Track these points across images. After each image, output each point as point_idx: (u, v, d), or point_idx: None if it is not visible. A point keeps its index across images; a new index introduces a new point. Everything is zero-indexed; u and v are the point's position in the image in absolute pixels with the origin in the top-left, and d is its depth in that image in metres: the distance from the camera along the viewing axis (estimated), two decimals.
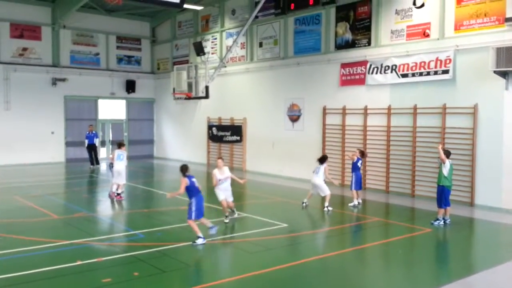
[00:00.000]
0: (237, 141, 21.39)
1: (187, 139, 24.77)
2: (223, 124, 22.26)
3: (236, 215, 11.71)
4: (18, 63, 22.68)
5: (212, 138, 22.83)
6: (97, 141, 22.66)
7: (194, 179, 9.60)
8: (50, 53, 23.64)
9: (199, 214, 9.55)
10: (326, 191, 12.75)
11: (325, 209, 12.67)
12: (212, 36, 22.80)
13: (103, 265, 8.15)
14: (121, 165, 13.91)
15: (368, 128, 16.10)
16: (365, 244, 9.95)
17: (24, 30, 22.96)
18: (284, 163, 18.92)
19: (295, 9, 18.52)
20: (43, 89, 23.25)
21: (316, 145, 17.68)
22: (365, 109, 16.11)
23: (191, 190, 9.51)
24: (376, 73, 15.74)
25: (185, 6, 19.41)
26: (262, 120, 20.21)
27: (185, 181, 9.45)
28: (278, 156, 19.26)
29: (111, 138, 25.89)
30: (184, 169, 9.64)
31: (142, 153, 26.55)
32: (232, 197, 11.49)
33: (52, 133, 23.35)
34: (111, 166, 14.64)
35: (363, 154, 13.93)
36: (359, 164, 13.52)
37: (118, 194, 13.96)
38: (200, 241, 9.26)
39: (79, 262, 8.11)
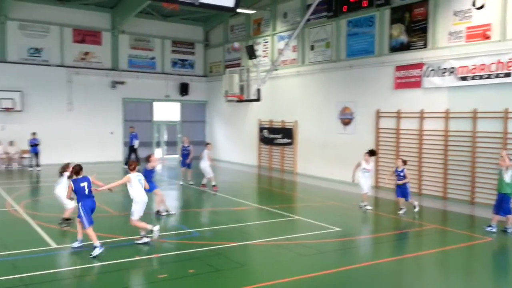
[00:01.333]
0: (288, 144, 21.43)
1: (238, 141, 25.08)
2: (274, 126, 22.37)
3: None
4: (80, 66, 23.86)
5: (263, 140, 23.00)
6: (136, 143, 22.64)
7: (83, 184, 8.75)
8: (110, 57, 24.71)
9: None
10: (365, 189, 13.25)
11: (363, 207, 13.12)
12: (264, 40, 22.99)
13: (159, 261, 8.43)
14: (202, 163, 16.13)
15: (424, 133, 15.67)
16: (421, 252, 9.68)
17: (85, 35, 24.13)
18: (336, 166, 18.74)
19: (348, 11, 18.33)
20: (103, 92, 24.34)
21: (368, 148, 17.36)
22: (421, 112, 15.68)
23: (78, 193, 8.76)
24: (433, 76, 15.29)
25: (238, 10, 19.68)
26: (313, 123, 20.14)
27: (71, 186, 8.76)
28: (329, 159, 19.11)
29: (165, 139, 26.66)
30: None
31: (195, 154, 26.98)
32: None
33: (112, 133, 24.34)
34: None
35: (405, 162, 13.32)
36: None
37: (214, 185, 16.05)
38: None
39: (137, 258, 8.45)
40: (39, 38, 22.84)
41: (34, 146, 21.03)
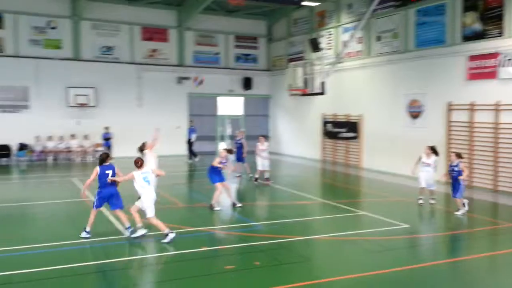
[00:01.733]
0: (353, 137, 21.00)
1: (301, 135, 24.94)
2: (338, 120, 22.01)
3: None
4: (148, 63, 24.77)
5: (327, 134, 22.70)
6: (193, 137, 22.99)
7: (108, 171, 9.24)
8: (176, 53, 25.43)
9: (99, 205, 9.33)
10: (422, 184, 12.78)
11: (419, 202, 12.72)
12: (328, 32, 22.62)
13: (226, 252, 8.58)
14: (263, 155, 16.34)
15: (500, 126, 14.73)
16: (497, 251, 9.12)
17: (153, 33, 24.98)
18: (404, 161, 17.99)
19: (417, 0, 17.59)
20: (169, 87, 25.11)
21: (439, 143, 16.61)
22: (497, 104, 14.75)
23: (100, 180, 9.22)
24: (510, 65, 14.32)
25: (302, 3, 19.52)
26: (379, 117, 19.57)
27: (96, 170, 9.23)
28: (397, 154, 18.48)
29: (229, 133, 27.07)
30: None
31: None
32: None
33: (178, 127, 25.05)
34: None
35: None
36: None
37: (267, 179, 16.22)
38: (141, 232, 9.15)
39: (204, 248, 8.64)
40: (110, 36, 23.95)
41: (106, 139, 22.14)
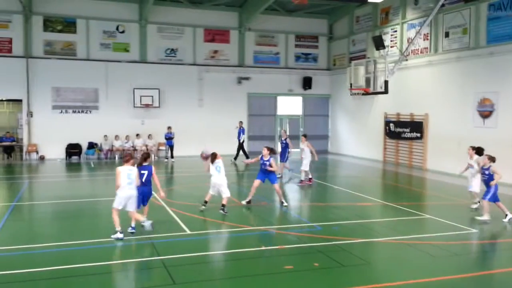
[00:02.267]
0: (417, 138, 20.22)
1: (362, 135, 24.38)
2: (401, 120, 21.28)
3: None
4: (209, 64, 25.26)
5: (389, 134, 22.03)
6: (242, 138, 22.88)
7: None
8: (237, 54, 25.73)
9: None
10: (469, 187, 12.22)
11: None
12: (392, 29, 21.94)
13: (285, 252, 8.53)
14: (303, 156, 16.13)
15: None
16: None
17: (215, 35, 25.44)
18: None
19: None
20: (229, 87, 25.47)
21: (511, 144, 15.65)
22: None
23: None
24: None
25: (368, 0, 19.04)
26: (446, 116, 18.70)
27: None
28: (465, 155, 17.50)
29: (287, 133, 26.90)
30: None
31: (317, 148, 26.74)
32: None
33: (237, 127, 25.29)
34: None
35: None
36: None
37: (310, 179, 15.99)
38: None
39: (263, 248, 8.65)
40: (174, 39, 24.67)
41: (169, 139, 22.80)
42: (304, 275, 7.34)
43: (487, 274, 7.47)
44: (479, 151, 12.23)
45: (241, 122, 23.51)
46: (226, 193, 11.19)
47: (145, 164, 9.76)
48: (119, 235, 8.91)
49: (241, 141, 22.88)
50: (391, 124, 21.81)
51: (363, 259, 8.21)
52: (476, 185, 12.04)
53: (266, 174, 12.29)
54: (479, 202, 12.07)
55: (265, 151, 12.23)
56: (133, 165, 9.34)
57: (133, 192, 9.12)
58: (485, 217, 10.82)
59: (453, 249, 8.78)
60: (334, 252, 8.46)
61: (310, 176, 16.20)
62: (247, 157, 22.39)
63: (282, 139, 17.37)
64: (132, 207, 9.17)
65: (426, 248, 8.88)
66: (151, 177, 9.72)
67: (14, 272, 7.26)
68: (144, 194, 9.68)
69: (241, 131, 23.01)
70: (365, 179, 18.57)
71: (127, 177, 9.02)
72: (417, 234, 9.84)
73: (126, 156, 9.44)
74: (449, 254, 8.50)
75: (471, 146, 12.51)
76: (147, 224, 9.28)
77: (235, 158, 22.54)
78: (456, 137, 18.03)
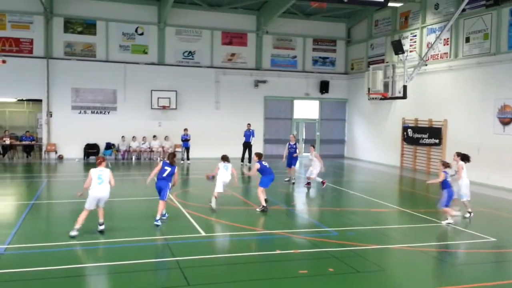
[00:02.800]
0: (435, 144, 19.95)
1: (379, 140, 24.15)
2: (419, 125, 21.02)
3: None
4: (227, 67, 25.33)
5: (407, 140, 21.77)
6: (253, 140, 22.66)
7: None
8: (254, 57, 25.77)
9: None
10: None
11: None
12: (411, 33, 21.72)
13: (299, 257, 8.48)
14: (312, 164, 15.92)
15: None
16: None
17: (232, 38, 25.52)
18: (492, 170, 16.87)
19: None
20: (246, 90, 25.51)
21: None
22: None
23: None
24: None
25: (389, 4, 18.86)
26: (465, 123, 18.42)
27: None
28: (485, 162, 17.25)
29: (304, 137, 26.91)
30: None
31: (333, 153, 26.95)
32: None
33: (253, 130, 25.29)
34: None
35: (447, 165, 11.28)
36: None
37: (308, 183, 15.90)
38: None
39: (278, 252, 8.61)
40: (192, 42, 24.82)
41: (185, 141, 22.91)
42: (319, 280, 7.28)
43: (503, 284, 7.30)
44: (464, 157, 11.83)
45: (249, 124, 23.07)
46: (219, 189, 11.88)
47: (167, 161, 10.67)
48: (74, 233, 9.09)
49: (251, 143, 22.64)
50: (409, 130, 21.56)
51: (378, 265, 8.10)
52: (465, 193, 11.77)
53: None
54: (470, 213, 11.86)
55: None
56: (105, 166, 9.70)
57: (104, 193, 9.36)
58: (453, 215, 11.02)
59: (470, 258, 8.63)
60: (349, 257, 8.37)
61: (309, 181, 15.91)
62: (248, 161, 22.21)
63: (291, 143, 16.78)
64: (103, 204, 9.50)
65: (443, 256, 8.74)
66: (172, 175, 10.48)
67: (31, 270, 7.35)
68: (160, 188, 10.38)
69: (250, 133, 22.74)
70: (382, 184, 18.37)
71: (97, 177, 9.27)
72: (433, 242, 9.69)
73: (98, 159, 9.69)
74: (466, 263, 8.37)
75: (457, 152, 12.30)
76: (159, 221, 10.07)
77: (249, 161, 22.38)
78: (476, 144, 17.73)
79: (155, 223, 10.06)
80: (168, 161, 10.60)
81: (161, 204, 10.29)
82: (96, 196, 9.23)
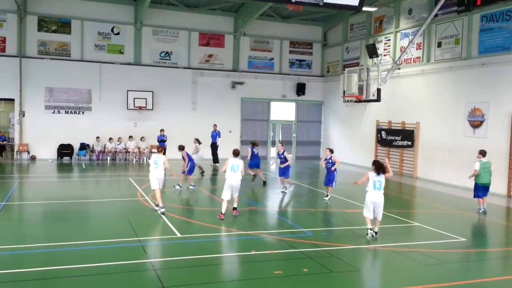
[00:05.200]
0: (408, 146, 20.38)
1: (354, 142, 24.50)
2: (393, 128, 21.44)
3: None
4: (204, 68, 25.30)
5: (381, 142, 22.17)
6: (219, 140, 22.75)
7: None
8: (231, 59, 25.80)
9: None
10: None
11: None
12: (385, 38, 22.14)
13: (274, 257, 8.55)
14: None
15: None
16: None
17: (210, 39, 25.50)
18: (462, 171, 17.26)
19: (482, 5, 16.79)
20: (223, 92, 25.52)
21: (502, 154, 15.83)
22: None
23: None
24: None
25: (363, 8, 19.13)
26: (437, 125, 18.88)
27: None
28: (455, 164, 17.75)
29: (280, 138, 27.07)
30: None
31: (309, 154, 27.24)
32: None
33: (230, 132, 25.37)
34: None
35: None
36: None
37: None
38: None
39: (253, 252, 8.67)
40: (169, 42, 24.70)
41: (161, 142, 22.75)
42: (294, 281, 7.36)
43: (474, 283, 7.53)
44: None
45: (215, 125, 23.05)
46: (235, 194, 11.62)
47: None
48: (163, 210, 11.13)
49: (217, 143, 22.71)
50: (383, 132, 21.96)
51: (353, 266, 8.25)
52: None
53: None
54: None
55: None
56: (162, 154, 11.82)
57: (160, 175, 11.55)
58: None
59: (442, 257, 8.85)
60: (323, 258, 8.50)
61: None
62: (216, 162, 22.24)
63: (279, 153, 15.26)
64: (161, 185, 11.74)
65: (415, 256, 8.94)
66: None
67: (1, 272, 7.22)
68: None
69: (216, 134, 22.83)
70: (356, 186, 18.57)
71: (154, 163, 11.43)
72: (406, 242, 9.91)
73: (158, 148, 12.33)
74: (438, 262, 8.56)
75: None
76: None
77: (216, 161, 22.42)
78: (447, 146, 18.22)
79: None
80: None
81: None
82: (154, 177, 11.43)
